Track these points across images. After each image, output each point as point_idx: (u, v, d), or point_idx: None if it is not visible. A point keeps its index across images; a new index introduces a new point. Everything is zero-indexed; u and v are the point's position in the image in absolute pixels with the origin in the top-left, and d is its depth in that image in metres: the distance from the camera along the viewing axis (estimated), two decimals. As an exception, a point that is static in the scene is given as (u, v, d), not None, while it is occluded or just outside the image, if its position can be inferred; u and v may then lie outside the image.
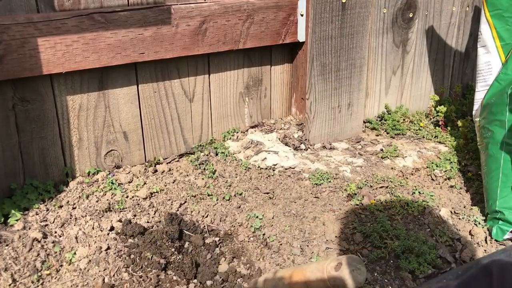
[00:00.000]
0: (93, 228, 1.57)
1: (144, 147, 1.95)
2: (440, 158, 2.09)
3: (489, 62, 1.89)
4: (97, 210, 1.65)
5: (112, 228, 1.58)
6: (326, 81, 2.11)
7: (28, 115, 1.67)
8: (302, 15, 2.03)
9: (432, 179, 1.97)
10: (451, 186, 1.94)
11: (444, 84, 2.61)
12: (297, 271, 1.18)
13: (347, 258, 1.05)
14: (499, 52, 1.87)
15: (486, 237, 1.65)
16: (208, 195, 1.79)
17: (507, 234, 1.63)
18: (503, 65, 1.79)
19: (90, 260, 1.44)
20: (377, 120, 2.43)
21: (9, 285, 1.33)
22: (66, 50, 1.62)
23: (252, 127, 2.20)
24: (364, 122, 2.39)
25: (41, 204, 1.66)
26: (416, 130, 2.36)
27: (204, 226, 1.64)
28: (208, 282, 1.42)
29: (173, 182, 1.84)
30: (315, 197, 1.82)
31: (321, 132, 2.19)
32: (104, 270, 1.42)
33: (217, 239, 1.59)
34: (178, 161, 2.00)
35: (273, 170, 1.97)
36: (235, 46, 1.96)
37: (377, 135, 2.33)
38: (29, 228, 1.54)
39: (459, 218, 1.74)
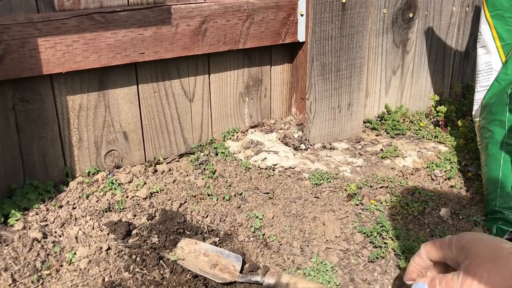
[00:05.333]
0: (93, 228, 1.57)
1: (144, 147, 1.95)
2: (440, 158, 2.09)
3: (489, 63, 1.89)
4: (97, 210, 1.65)
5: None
6: (326, 81, 2.11)
7: (28, 115, 1.67)
8: (302, 15, 2.03)
9: (432, 179, 1.97)
10: (451, 186, 1.94)
11: (444, 84, 2.62)
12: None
13: None
14: (499, 52, 1.87)
15: (486, 237, 1.65)
16: (208, 195, 1.79)
17: (507, 234, 1.63)
18: (503, 65, 1.79)
19: (90, 260, 1.44)
20: (377, 120, 2.43)
21: (9, 285, 1.33)
22: (66, 50, 1.62)
23: (252, 127, 2.20)
24: (364, 122, 2.39)
25: (41, 204, 1.66)
26: (416, 130, 2.36)
27: (204, 226, 1.64)
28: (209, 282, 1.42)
29: (173, 182, 1.84)
30: (315, 197, 1.82)
31: (321, 132, 2.19)
32: (105, 270, 1.42)
33: (217, 239, 1.59)
34: (178, 161, 2.00)
35: (273, 170, 1.97)
36: (235, 46, 1.96)
37: (377, 135, 2.33)
38: (29, 228, 1.54)
39: (459, 218, 1.75)
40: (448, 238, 0.87)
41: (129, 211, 1.67)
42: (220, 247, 1.57)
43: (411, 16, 2.33)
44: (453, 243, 0.84)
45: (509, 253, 0.75)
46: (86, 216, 1.62)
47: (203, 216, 1.69)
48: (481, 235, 0.84)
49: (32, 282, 1.36)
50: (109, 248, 1.49)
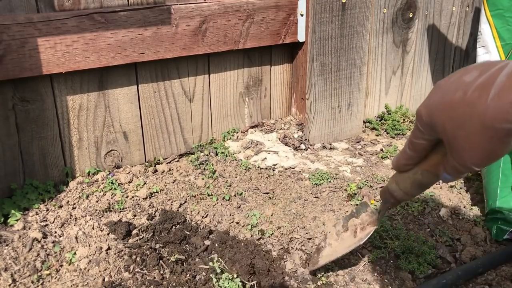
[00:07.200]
0: (93, 228, 1.57)
1: (144, 147, 1.95)
2: (440, 158, 2.09)
3: (489, 62, 1.89)
4: (97, 210, 1.65)
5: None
6: (326, 81, 2.11)
7: (28, 115, 1.67)
8: (302, 15, 2.03)
9: (432, 179, 1.97)
10: (451, 186, 1.94)
11: (444, 84, 2.61)
12: None
13: None
14: (499, 52, 1.87)
15: (486, 237, 1.65)
16: (208, 195, 1.79)
17: (507, 234, 1.63)
18: (503, 65, 1.79)
19: (90, 260, 1.44)
20: (377, 120, 2.43)
21: (9, 285, 1.33)
22: (66, 50, 1.62)
23: (252, 127, 2.20)
24: (364, 122, 2.39)
25: (41, 204, 1.66)
26: (416, 130, 2.36)
27: (204, 226, 1.64)
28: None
29: (173, 182, 1.84)
30: (315, 197, 1.82)
31: (321, 132, 2.19)
32: (105, 270, 1.42)
33: (215, 238, 1.59)
34: (178, 161, 2.00)
35: (273, 170, 1.97)
36: (235, 46, 1.96)
37: (377, 135, 2.33)
38: (29, 228, 1.54)
39: (459, 218, 1.75)
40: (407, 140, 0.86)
41: (129, 211, 1.67)
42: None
43: (411, 16, 2.33)
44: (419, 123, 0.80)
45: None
46: (86, 216, 1.62)
47: (202, 216, 1.69)
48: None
49: (32, 282, 1.36)
50: (109, 248, 1.49)
